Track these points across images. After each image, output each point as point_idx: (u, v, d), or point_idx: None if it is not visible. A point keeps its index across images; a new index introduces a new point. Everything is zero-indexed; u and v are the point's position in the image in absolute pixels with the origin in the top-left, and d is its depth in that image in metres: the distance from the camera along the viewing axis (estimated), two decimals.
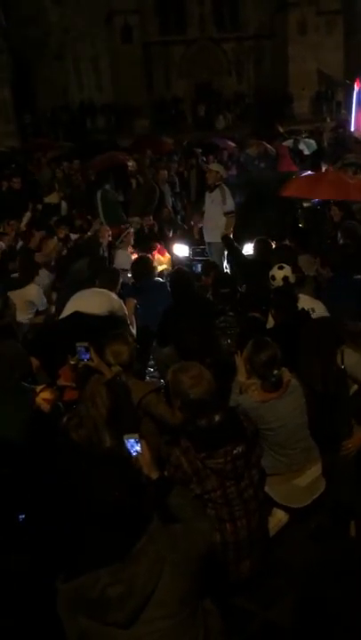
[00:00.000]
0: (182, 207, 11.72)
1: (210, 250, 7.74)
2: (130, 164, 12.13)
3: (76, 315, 4.62)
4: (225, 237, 7.01)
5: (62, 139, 23.08)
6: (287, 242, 6.48)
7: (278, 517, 3.35)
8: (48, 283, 6.54)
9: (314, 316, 4.43)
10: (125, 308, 5.09)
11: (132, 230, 8.15)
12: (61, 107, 27.33)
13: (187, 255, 8.25)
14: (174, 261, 7.84)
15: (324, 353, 3.46)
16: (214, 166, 8.31)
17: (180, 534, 2.01)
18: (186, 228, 9.63)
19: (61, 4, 27.51)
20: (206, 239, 7.82)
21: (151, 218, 9.22)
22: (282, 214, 7.99)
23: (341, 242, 6.22)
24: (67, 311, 4.90)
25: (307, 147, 14.60)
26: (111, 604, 1.81)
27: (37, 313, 6.06)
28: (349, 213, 7.32)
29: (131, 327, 5.18)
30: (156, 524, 1.94)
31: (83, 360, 3.26)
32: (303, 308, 4.33)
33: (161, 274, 6.93)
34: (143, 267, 5.97)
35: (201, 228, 8.23)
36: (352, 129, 15.98)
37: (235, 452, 2.71)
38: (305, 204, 8.44)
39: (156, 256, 7.59)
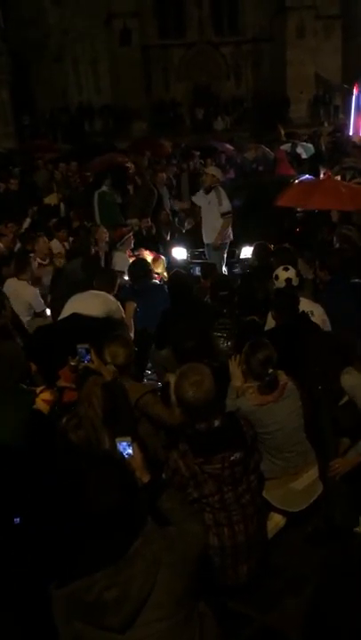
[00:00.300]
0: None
1: (208, 251, 7.74)
2: (129, 165, 12.16)
3: (75, 316, 4.62)
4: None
5: (60, 140, 23.10)
6: (287, 245, 6.48)
7: (276, 521, 3.35)
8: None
9: (313, 319, 4.44)
10: (122, 311, 5.09)
11: (131, 233, 8.13)
12: (60, 109, 27.35)
13: (185, 258, 8.25)
14: (172, 264, 7.84)
15: (329, 373, 3.44)
16: (211, 170, 8.33)
17: (174, 536, 2.02)
18: (183, 231, 9.63)
19: (61, 5, 27.54)
20: (205, 240, 7.82)
21: (149, 220, 9.22)
22: (279, 218, 8.01)
23: (338, 246, 6.23)
24: (65, 313, 4.90)
25: (305, 151, 14.64)
26: (107, 607, 1.80)
27: (35, 315, 6.06)
28: (347, 216, 7.35)
29: (129, 330, 5.19)
30: (151, 526, 1.94)
31: (83, 362, 3.26)
32: (303, 311, 4.33)
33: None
34: (140, 269, 5.96)
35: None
36: (351, 133, 16.02)
37: (232, 458, 2.70)
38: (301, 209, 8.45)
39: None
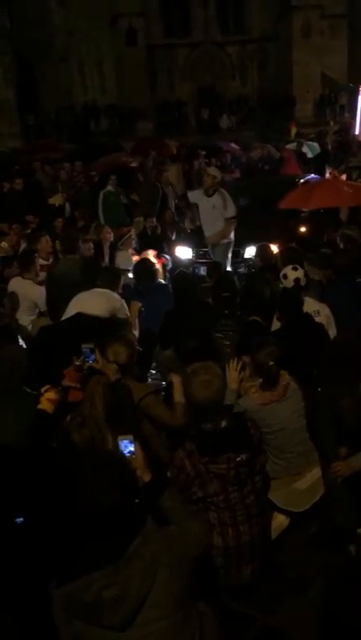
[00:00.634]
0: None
1: (213, 252, 7.72)
2: (134, 164, 12.16)
3: (79, 316, 4.61)
4: None
5: (66, 140, 23.14)
6: (294, 245, 6.46)
7: (279, 521, 3.34)
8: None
9: (318, 318, 4.43)
10: (127, 308, 5.08)
11: (133, 232, 8.12)
12: (65, 108, 27.40)
13: (190, 257, 8.24)
14: (177, 263, 7.83)
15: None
16: (212, 171, 8.19)
17: (174, 536, 2.02)
18: (188, 230, 9.61)
19: (66, 6, 27.63)
20: (207, 241, 7.79)
21: (154, 220, 9.22)
22: (284, 218, 7.99)
23: (342, 246, 6.22)
24: (69, 312, 4.88)
25: (310, 150, 14.61)
26: (106, 606, 1.81)
27: (40, 314, 6.06)
28: (356, 214, 7.35)
29: (133, 329, 5.18)
30: (151, 526, 1.94)
31: (88, 361, 3.26)
32: (307, 312, 4.31)
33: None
34: (146, 269, 5.95)
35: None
36: (356, 132, 15.98)
37: (238, 459, 2.70)
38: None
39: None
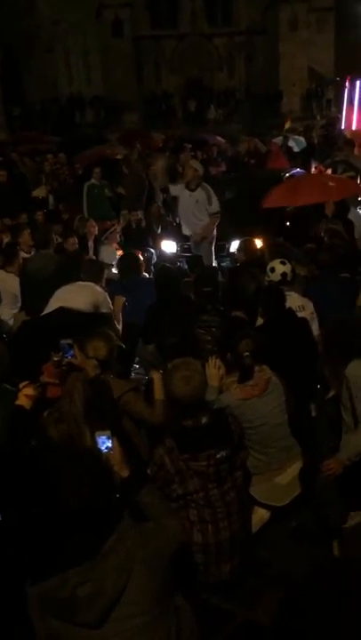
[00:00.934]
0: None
1: (196, 248, 7.67)
2: (119, 157, 12.07)
3: (61, 310, 4.56)
4: None
5: (51, 132, 22.93)
6: (282, 239, 6.45)
7: (260, 515, 3.33)
8: None
9: (302, 314, 4.43)
10: (110, 302, 5.05)
11: (118, 226, 8.07)
12: (51, 100, 27.16)
13: (174, 251, 8.20)
14: (161, 257, 7.79)
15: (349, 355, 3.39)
16: (194, 164, 8.01)
17: (150, 532, 2.01)
18: (175, 224, 9.56)
19: None
20: (185, 233, 7.74)
21: (139, 213, 9.16)
22: (270, 212, 7.97)
23: (327, 240, 6.22)
24: (51, 305, 4.83)
25: (296, 144, 14.61)
26: (81, 604, 1.80)
27: (22, 308, 6.01)
28: (342, 209, 7.34)
29: (117, 324, 5.16)
30: (127, 522, 1.93)
31: (67, 357, 3.23)
32: (290, 307, 4.31)
33: None
34: (130, 263, 5.91)
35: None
36: (343, 127, 15.99)
37: (218, 455, 2.69)
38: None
39: None
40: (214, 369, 3.57)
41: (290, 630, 2.70)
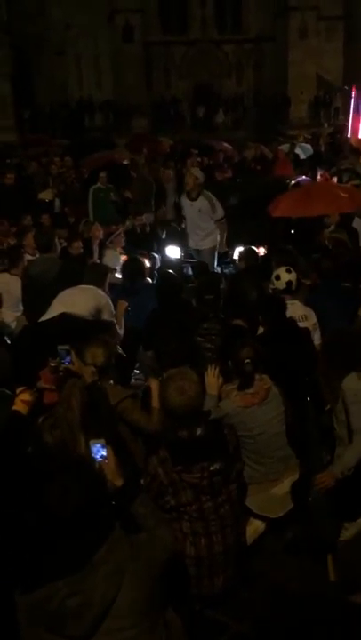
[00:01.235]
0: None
1: (199, 257, 7.62)
2: (126, 161, 12.08)
3: (64, 316, 4.54)
4: None
5: (59, 135, 23.01)
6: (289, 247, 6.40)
7: (255, 526, 3.32)
8: None
9: (304, 324, 4.40)
10: (112, 306, 5.04)
11: (121, 230, 8.06)
12: (60, 103, 27.26)
13: (178, 257, 8.20)
14: (165, 262, 7.79)
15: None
16: (194, 171, 7.78)
17: (141, 544, 1.99)
18: (179, 229, 9.56)
19: (64, 1, 27.43)
20: (194, 246, 7.67)
21: (144, 218, 9.16)
22: (275, 219, 7.96)
23: (331, 248, 6.21)
24: (53, 309, 4.82)
25: (303, 151, 14.61)
26: (69, 616, 1.78)
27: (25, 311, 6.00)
28: (348, 218, 7.32)
29: (118, 328, 5.15)
30: (118, 534, 1.90)
31: (64, 363, 3.22)
32: (291, 317, 4.29)
33: None
34: (135, 268, 5.90)
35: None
36: (349, 135, 16.00)
37: (212, 468, 2.66)
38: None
39: None
40: (213, 377, 3.55)
41: None
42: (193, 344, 4.06)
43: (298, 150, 14.53)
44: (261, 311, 4.21)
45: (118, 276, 6.38)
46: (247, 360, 3.37)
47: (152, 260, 7.31)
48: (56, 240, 6.82)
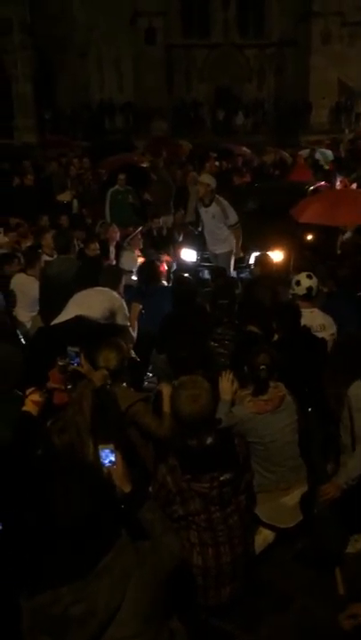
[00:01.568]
0: None
1: (216, 261, 7.59)
2: (145, 164, 12.10)
3: (79, 319, 4.54)
4: None
5: (80, 137, 23.13)
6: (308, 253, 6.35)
7: (264, 536, 3.28)
8: None
9: (322, 334, 4.33)
10: (126, 309, 5.04)
11: (138, 232, 8.05)
12: (81, 105, 27.41)
13: (194, 260, 8.18)
14: (180, 266, 7.78)
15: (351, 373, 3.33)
16: (205, 179, 7.59)
17: (147, 551, 1.96)
18: (196, 232, 9.54)
19: (87, 2, 27.62)
20: (212, 250, 7.66)
21: (161, 220, 9.15)
22: (293, 225, 7.91)
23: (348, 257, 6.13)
24: (68, 312, 4.83)
25: (323, 157, 14.52)
26: (73, 623, 1.76)
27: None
28: None
29: (132, 331, 5.14)
30: (124, 541, 1.88)
31: (73, 364, 3.22)
32: (305, 325, 4.23)
33: None
34: (150, 271, 5.90)
35: None
36: None
37: (222, 478, 2.63)
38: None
39: None
40: (227, 382, 3.52)
41: None
42: (206, 349, 4.03)
43: (318, 156, 14.46)
44: (276, 318, 4.17)
45: (134, 278, 6.39)
46: (263, 366, 3.35)
47: (168, 262, 7.31)
48: (74, 241, 6.84)
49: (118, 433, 2.80)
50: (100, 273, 5.49)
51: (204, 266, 7.85)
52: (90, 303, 4.72)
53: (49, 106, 26.64)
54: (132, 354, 4.61)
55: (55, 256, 6.78)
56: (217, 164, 12.92)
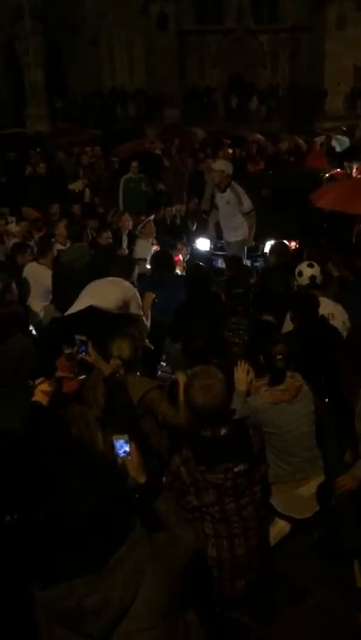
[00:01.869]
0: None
1: (229, 249, 7.53)
2: (158, 151, 12.00)
3: (91, 310, 4.50)
4: None
5: (92, 125, 23.01)
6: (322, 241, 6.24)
7: (280, 527, 3.25)
8: None
9: (333, 322, 4.27)
10: (139, 298, 5.00)
11: (150, 219, 7.98)
12: (93, 93, 27.27)
13: (208, 249, 8.11)
14: (194, 255, 7.71)
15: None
16: (220, 165, 7.51)
17: (162, 544, 1.93)
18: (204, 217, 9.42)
19: None
20: (225, 238, 7.60)
21: (174, 209, 9.07)
22: (308, 213, 7.80)
23: None
24: (81, 303, 4.79)
25: (339, 144, 14.30)
26: (87, 615, 1.74)
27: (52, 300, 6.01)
28: None
29: (145, 320, 5.10)
30: (139, 533, 1.85)
31: (81, 353, 3.18)
32: (322, 315, 4.16)
33: None
34: (164, 260, 5.85)
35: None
36: None
37: (236, 469, 2.60)
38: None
39: None
40: (243, 372, 3.48)
41: None
42: (221, 339, 3.98)
43: (334, 142, 14.23)
44: (293, 307, 4.10)
45: (148, 266, 6.34)
46: (279, 356, 3.30)
47: (182, 251, 7.25)
48: (87, 230, 6.83)
49: (129, 422, 2.77)
50: (112, 262, 5.46)
51: (219, 254, 7.78)
52: (102, 294, 4.68)
53: (61, 94, 26.51)
54: (146, 342, 4.57)
55: (68, 244, 6.78)
56: (230, 151, 12.76)
